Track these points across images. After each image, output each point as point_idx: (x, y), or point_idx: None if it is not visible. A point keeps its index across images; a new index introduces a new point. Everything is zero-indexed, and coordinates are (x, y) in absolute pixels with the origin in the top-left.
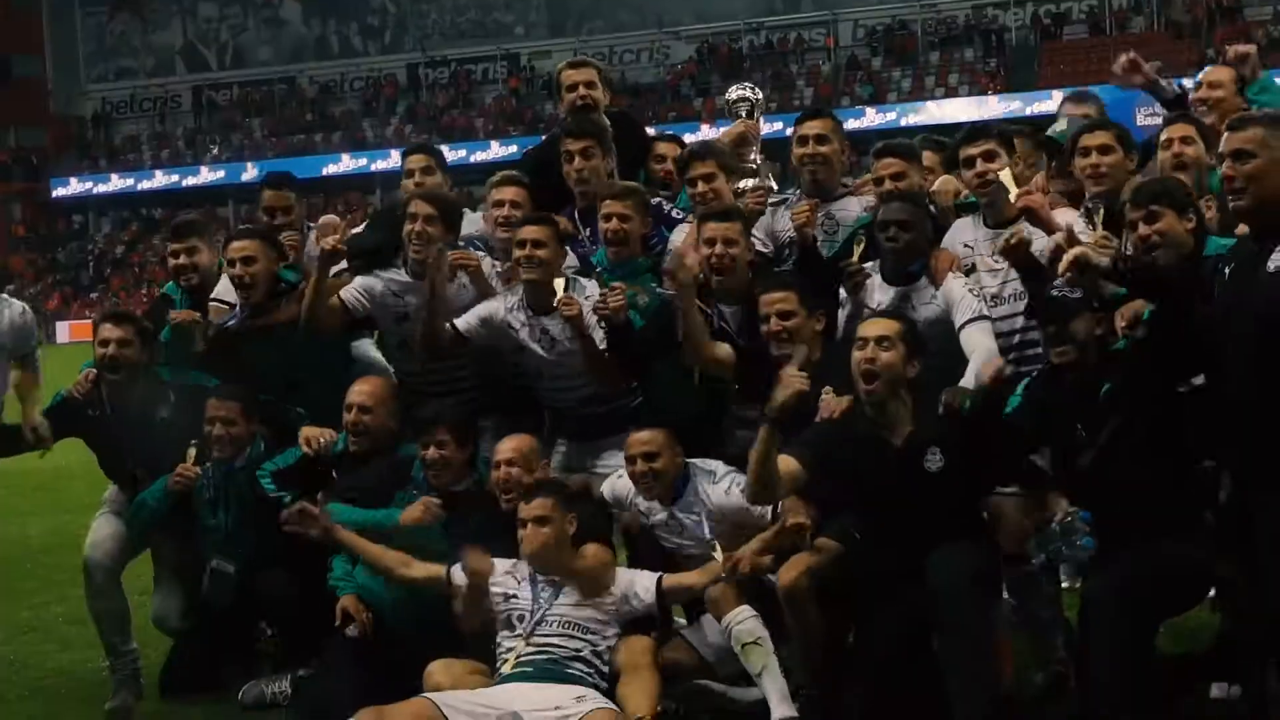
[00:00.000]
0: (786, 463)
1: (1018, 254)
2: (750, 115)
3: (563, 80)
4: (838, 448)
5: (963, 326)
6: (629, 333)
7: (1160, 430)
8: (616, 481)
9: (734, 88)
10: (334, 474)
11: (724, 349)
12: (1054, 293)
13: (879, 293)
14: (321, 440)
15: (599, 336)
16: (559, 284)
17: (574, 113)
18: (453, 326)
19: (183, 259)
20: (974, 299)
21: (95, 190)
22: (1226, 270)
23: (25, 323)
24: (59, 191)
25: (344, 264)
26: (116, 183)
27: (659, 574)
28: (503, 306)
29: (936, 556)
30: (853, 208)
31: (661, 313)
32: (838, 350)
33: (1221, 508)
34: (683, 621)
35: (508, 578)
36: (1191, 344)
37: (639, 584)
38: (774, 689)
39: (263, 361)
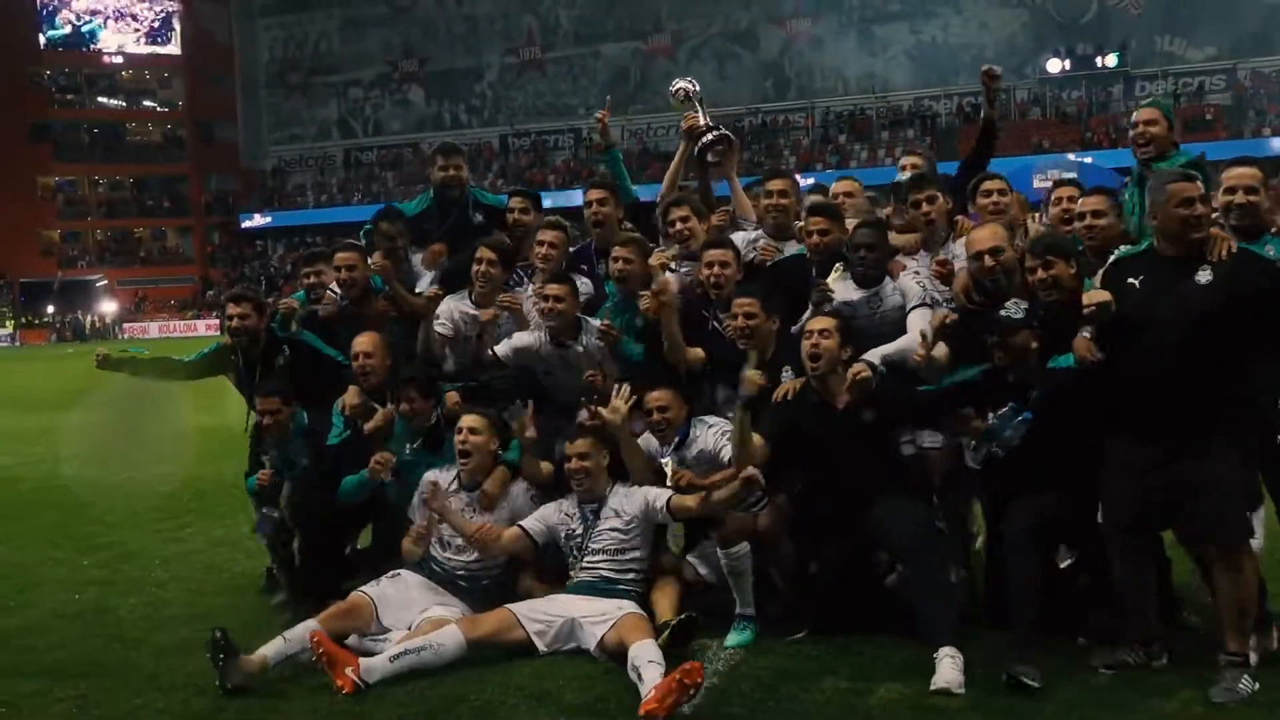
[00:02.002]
0: (756, 439)
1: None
2: (687, 99)
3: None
4: (795, 415)
5: (910, 310)
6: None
7: (1070, 415)
8: (649, 439)
9: (675, 80)
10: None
11: (696, 352)
12: (1001, 313)
13: (855, 294)
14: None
15: (613, 367)
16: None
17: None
18: (493, 352)
19: (312, 278)
20: (919, 290)
21: (272, 223)
22: (1136, 281)
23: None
24: (246, 224)
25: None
26: (287, 218)
27: (669, 493)
28: (535, 339)
29: (889, 514)
30: (791, 248)
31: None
32: (793, 340)
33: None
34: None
35: (562, 514)
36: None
37: (659, 500)
38: (744, 599)
39: (351, 337)
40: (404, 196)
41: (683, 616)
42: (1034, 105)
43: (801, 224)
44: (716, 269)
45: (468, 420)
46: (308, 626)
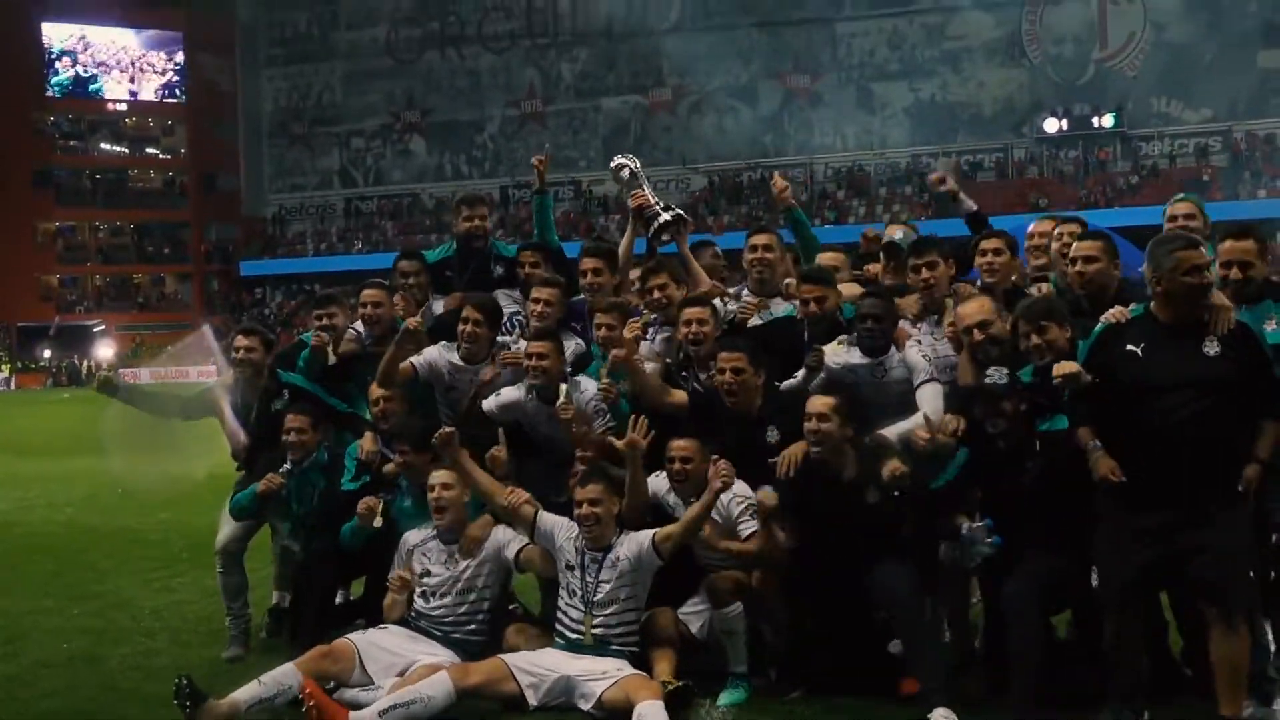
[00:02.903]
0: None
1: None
2: (632, 177)
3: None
4: (804, 485)
5: (919, 385)
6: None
7: (1069, 478)
8: (653, 480)
9: (616, 158)
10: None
11: (678, 394)
12: (986, 382)
13: (859, 359)
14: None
15: (602, 421)
16: (563, 389)
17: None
18: (480, 409)
19: (324, 321)
20: (926, 364)
21: (272, 271)
22: (1138, 349)
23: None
24: (246, 271)
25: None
26: (287, 266)
27: (653, 532)
28: (521, 396)
29: (882, 575)
30: (779, 308)
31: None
32: (780, 398)
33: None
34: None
35: (569, 544)
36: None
37: (646, 540)
38: (737, 657)
39: (372, 375)
40: (404, 246)
41: (680, 684)
42: (1031, 164)
43: (790, 282)
44: (695, 326)
45: (440, 476)
46: (285, 671)
